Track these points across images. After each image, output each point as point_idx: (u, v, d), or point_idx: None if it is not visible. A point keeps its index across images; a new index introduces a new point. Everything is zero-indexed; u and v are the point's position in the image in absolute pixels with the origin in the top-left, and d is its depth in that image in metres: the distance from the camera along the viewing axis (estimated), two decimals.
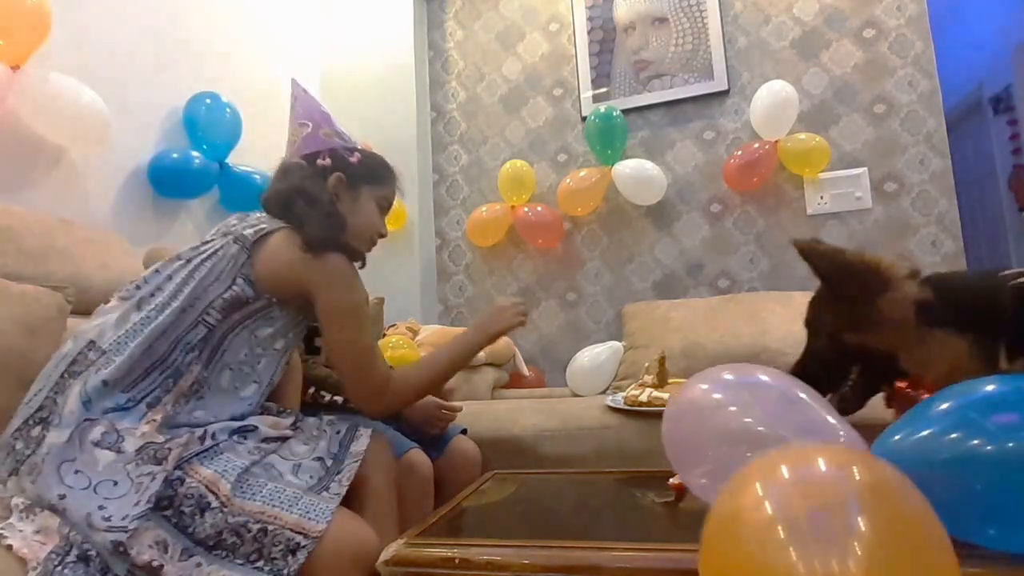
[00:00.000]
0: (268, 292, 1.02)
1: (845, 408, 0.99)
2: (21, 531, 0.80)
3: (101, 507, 0.80)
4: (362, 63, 3.02)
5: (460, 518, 0.82)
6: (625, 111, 2.69)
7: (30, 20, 1.65)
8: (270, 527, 0.82)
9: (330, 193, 1.11)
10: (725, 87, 2.63)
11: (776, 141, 2.45)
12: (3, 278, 1.25)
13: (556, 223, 2.73)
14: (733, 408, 0.74)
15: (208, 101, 2.24)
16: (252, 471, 0.89)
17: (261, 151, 2.46)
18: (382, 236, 1.23)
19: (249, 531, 0.82)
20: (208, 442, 0.90)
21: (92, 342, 0.94)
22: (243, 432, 0.95)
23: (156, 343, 0.94)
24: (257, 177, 2.33)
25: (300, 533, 0.83)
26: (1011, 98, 3.38)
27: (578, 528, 0.87)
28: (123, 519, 0.79)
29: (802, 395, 0.74)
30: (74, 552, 0.78)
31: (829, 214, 2.46)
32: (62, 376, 0.91)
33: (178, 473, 0.84)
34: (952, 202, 2.34)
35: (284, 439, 0.99)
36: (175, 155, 2.12)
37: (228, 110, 2.27)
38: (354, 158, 1.16)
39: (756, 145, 2.48)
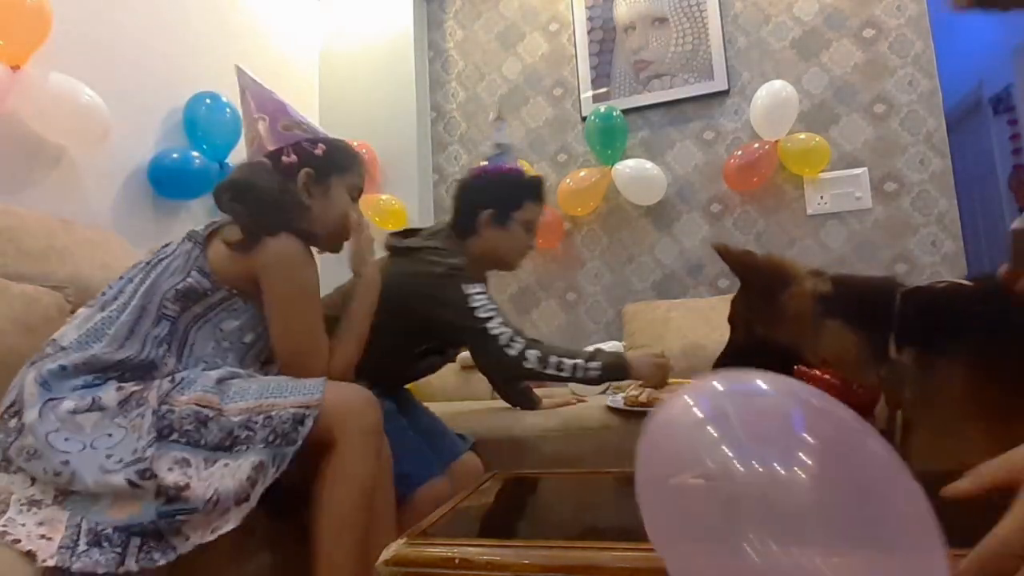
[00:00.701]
0: (225, 282, 1.03)
1: None
2: (23, 524, 0.79)
3: (109, 455, 0.83)
4: (362, 63, 3.02)
5: (460, 518, 0.82)
6: (625, 111, 2.69)
7: (30, 20, 1.65)
8: (272, 412, 0.90)
9: (300, 189, 1.11)
10: (725, 87, 2.63)
11: (776, 141, 2.45)
12: (3, 278, 1.26)
13: (556, 223, 2.73)
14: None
15: (208, 101, 2.24)
16: (228, 382, 0.95)
17: None
18: (358, 223, 1.23)
19: (255, 422, 0.89)
20: (178, 380, 0.95)
21: (53, 340, 0.96)
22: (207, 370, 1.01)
23: (127, 342, 0.95)
24: None
25: (301, 407, 0.90)
26: (1011, 98, 3.38)
27: (579, 528, 0.86)
28: (134, 452, 0.83)
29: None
30: (83, 539, 0.78)
31: (829, 214, 2.46)
32: (26, 372, 0.93)
33: (164, 408, 0.89)
34: (952, 202, 2.34)
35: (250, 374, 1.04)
36: (175, 155, 2.12)
37: (228, 110, 2.27)
38: (318, 150, 1.14)
39: (756, 145, 2.48)
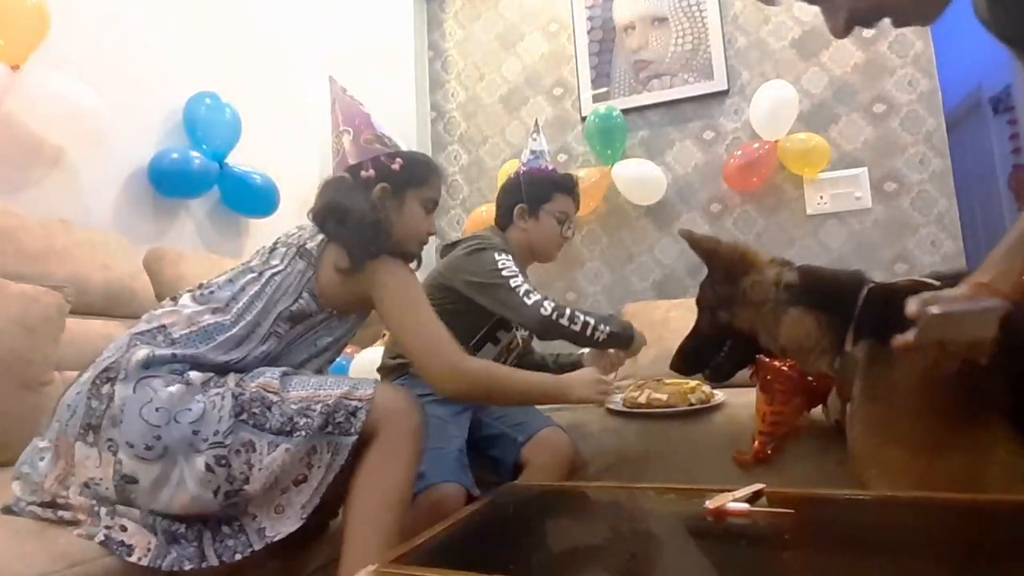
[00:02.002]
0: (330, 305, 1.09)
1: (716, 376, 1.20)
2: (109, 528, 0.84)
3: (195, 431, 0.87)
4: (362, 63, 3.02)
5: (452, 540, 0.75)
6: (625, 111, 2.69)
7: (30, 20, 1.65)
8: (329, 402, 0.93)
9: (375, 203, 1.14)
10: (725, 87, 2.63)
11: (776, 141, 2.45)
12: (3, 278, 1.26)
13: None
14: None
15: (208, 101, 2.24)
16: (290, 375, 0.99)
17: (261, 151, 2.46)
18: (432, 234, 1.27)
19: (313, 410, 0.92)
20: (248, 370, 1.00)
21: (163, 326, 0.99)
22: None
23: (234, 351, 1.00)
24: (257, 177, 2.33)
25: (355, 399, 0.95)
26: (1011, 98, 3.38)
27: (577, 559, 0.73)
28: (215, 434, 0.88)
29: None
30: (162, 537, 0.85)
31: (829, 214, 2.46)
32: (132, 344, 0.95)
33: (238, 390, 0.93)
34: (952, 202, 2.34)
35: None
36: (175, 155, 2.12)
37: (228, 110, 2.27)
38: (396, 165, 1.18)
39: (756, 145, 2.47)
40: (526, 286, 1.44)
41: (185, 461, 0.87)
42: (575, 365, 1.63)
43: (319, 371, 1.15)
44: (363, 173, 1.16)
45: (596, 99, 2.81)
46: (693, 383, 1.56)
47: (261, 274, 1.07)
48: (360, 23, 3.06)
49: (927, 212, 2.36)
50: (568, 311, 1.41)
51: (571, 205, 1.65)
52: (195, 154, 2.15)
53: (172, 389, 0.90)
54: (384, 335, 2.20)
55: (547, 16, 2.96)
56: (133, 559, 0.81)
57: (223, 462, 0.87)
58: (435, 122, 3.10)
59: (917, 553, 0.63)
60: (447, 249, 1.62)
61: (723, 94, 2.64)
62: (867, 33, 2.48)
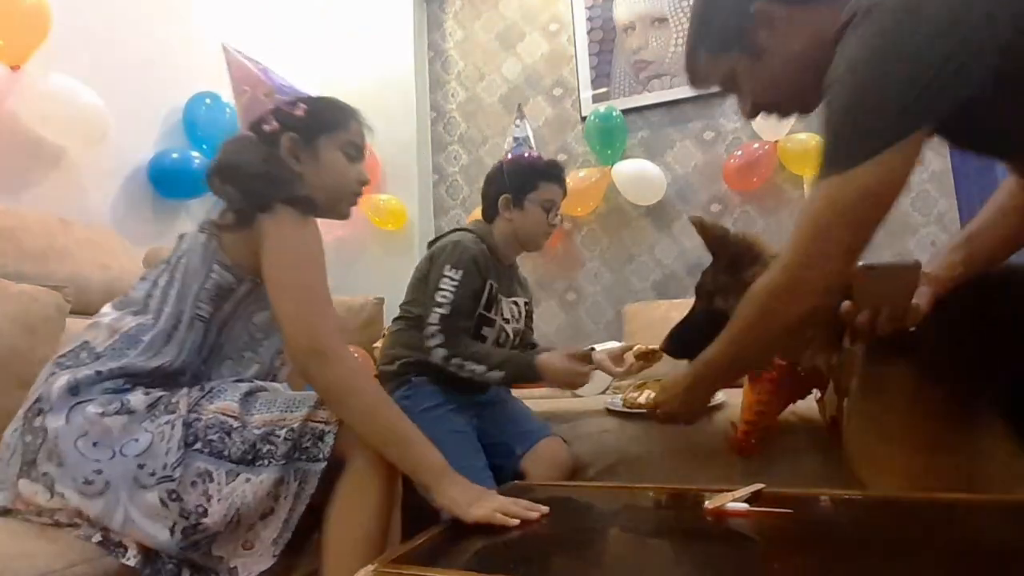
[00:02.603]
0: (249, 272, 0.99)
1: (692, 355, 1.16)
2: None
3: (140, 466, 0.81)
4: (362, 63, 3.02)
5: (450, 541, 0.75)
6: (625, 111, 2.69)
7: (30, 20, 1.66)
8: (295, 426, 0.87)
9: (285, 157, 1.04)
10: None
11: (776, 141, 2.45)
12: (3, 278, 1.26)
13: None
14: None
15: (208, 101, 2.24)
16: (254, 394, 0.93)
17: None
18: (364, 183, 1.14)
19: (278, 436, 0.86)
20: (207, 389, 0.93)
21: (86, 342, 0.93)
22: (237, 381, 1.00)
23: (164, 349, 0.93)
24: None
25: (321, 422, 0.89)
26: None
27: (589, 564, 0.70)
28: (163, 468, 0.81)
29: None
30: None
31: None
32: (51, 371, 0.90)
33: (192, 416, 0.87)
34: (952, 202, 2.34)
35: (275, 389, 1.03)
36: (175, 155, 2.13)
37: (228, 110, 2.27)
38: (299, 111, 1.06)
39: (756, 145, 2.48)
40: (437, 325, 1.38)
41: (129, 498, 0.80)
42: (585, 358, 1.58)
43: (278, 355, 1.06)
44: (266, 127, 1.04)
45: (596, 99, 2.81)
46: None
47: (170, 262, 1.01)
48: (360, 23, 3.06)
49: (927, 212, 2.36)
50: (456, 361, 1.37)
51: (557, 192, 1.59)
52: (195, 154, 2.16)
53: (112, 421, 0.83)
54: (384, 334, 2.20)
55: (547, 16, 2.96)
56: (126, 560, 0.80)
57: (174, 496, 0.80)
58: (435, 122, 3.10)
59: (916, 553, 0.63)
60: (431, 244, 1.59)
61: (723, 94, 2.63)
62: None
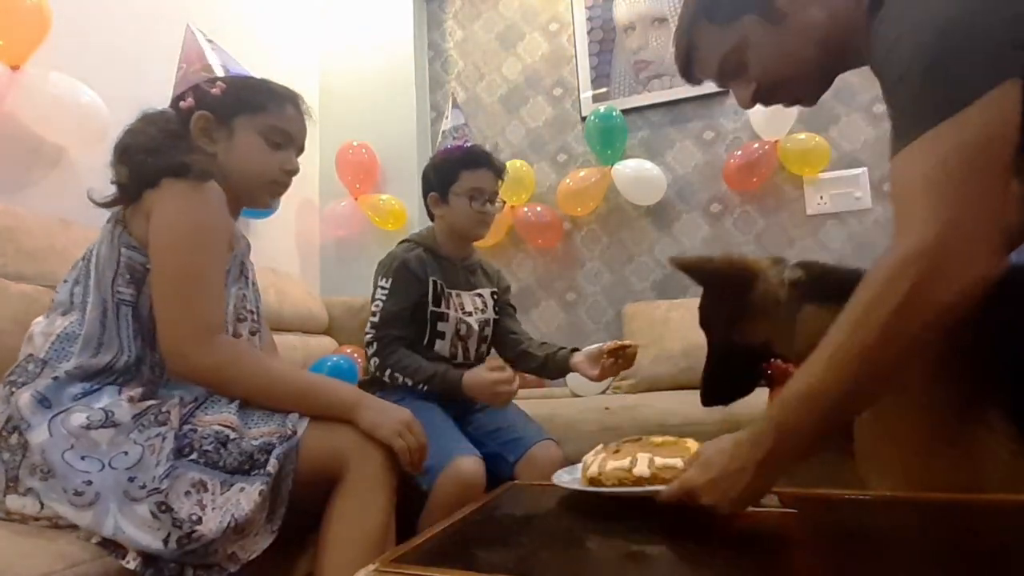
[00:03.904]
0: None
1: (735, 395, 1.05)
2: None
3: (131, 478, 0.79)
4: (362, 63, 3.02)
5: (452, 540, 0.73)
6: (625, 111, 2.69)
7: (30, 20, 1.65)
8: (294, 438, 0.86)
9: (196, 139, 0.99)
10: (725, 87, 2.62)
11: (776, 141, 2.45)
12: (3, 278, 1.26)
13: (556, 223, 2.73)
14: None
15: None
16: (247, 410, 0.91)
17: None
18: (290, 173, 1.07)
19: (274, 445, 0.85)
20: (203, 400, 0.91)
21: (30, 355, 0.90)
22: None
23: (103, 344, 0.89)
24: None
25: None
26: None
27: (589, 564, 0.69)
28: (152, 480, 0.79)
29: None
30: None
31: (829, 214, 2.46)
32: (9, 392, 0.86)
33: (186, 427, 0.85)
34: None
35: None
36: None
37: None
38: (216, 89, 1.00)
39: (756, 145, 2.48)
40: (372, 332, 1.42)
41: (119, 509, 0.78)
42: (564, 362, 1.56)
43: (235, 335, 1.01)
44: (182, 104, 1.00)
45: (596, 99, 2.81)
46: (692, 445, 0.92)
47: (85, 258, 0.97)
48: (360, 23, 3.06)
49: None
50: (390, 372, 1.39)
51: (481, 179, 1.52)
52: None
53: (99, 435, 0.81)
54: None
55: (547, 16, 2.96)
56: (126, 564, 0.79)
57: (164, 508, 0.79)
58: (435, 122, 3.10)
59: (918, 553, 0.63)
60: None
61: (723, 94, 2.64)
62: None
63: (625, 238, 2.73)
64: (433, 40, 3.15)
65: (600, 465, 0.84)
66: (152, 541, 0.78)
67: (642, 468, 0.81)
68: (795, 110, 2.42)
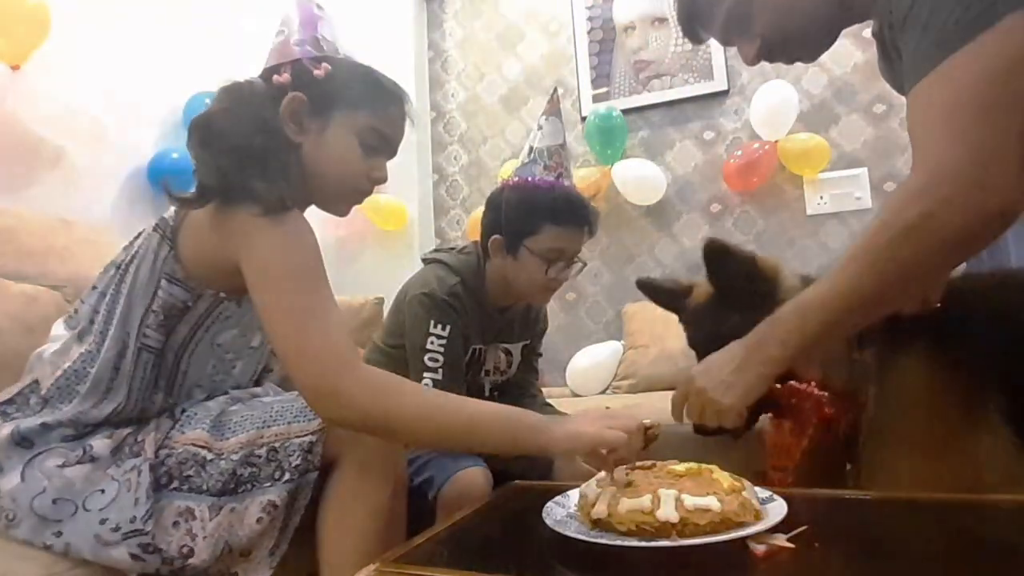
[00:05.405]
0: (205, 283, 0.82)
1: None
2: None
3: (103, 521, 0.73)
4: (361, 63, 3.01)
5: (453, 541, 0.73)
6: (625, 111, 2.69)
7: (30, 20, 1.65)
8: (276, 444, 0.78)
9: (282, 122, 0.83)
10: (725, 87, 2.63)
11: (776, 141, 2.45)
12: (3, 278, 1.26)
13: None
14: None
15: (208, 101, 2.22)
16: (226, 413, 0.83)
17: None
18: (377, 182, 0.90)
19: (258, 456, 0.78)
20: (178, 416, 0.84)
21: (36, 382, 0.83)
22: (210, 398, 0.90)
23: (112, 389, 0.80)
24: None
25: (305, 435, 0.78)
26: None
27: (589, 564, 0.66)
28: (132, 521, 0.73)
29: None
30: None
31: (829, 214, 2.46)
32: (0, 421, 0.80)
33: (162, 453, 0.78)
34: None
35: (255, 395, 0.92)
36: (175, 155, 2.12)
37: None
38: (320, 70, 0.84)
39: (756, 145, 2.48)
40: (431, 375, 1.16)
41: (94, 557, 0.73)
42: None
43: (246, 369, 0.94)
44: (276, 78, 0.84)
45: (596, 99, 2.81)
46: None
47: (119, 266, 0.84)
48: (360, 23, 3.05)
49: None
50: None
51: (568, 238, 1.21)
52: None
53: (74, 472, 0.74)
54: None
55: (547, 16, 2.96)
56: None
57: (151, 549, 0.73)
58: (435, 122, 3.10)
59: (918, 553, 0.63)
60: (430, 255, 1.35)
61: (723, 94, 2.64)
62: (866, 33, 2.47)
63: (625, 238, 2.73)
64: (433, 40, 3.15)
65: (610, 503, 0.65)
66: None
67: (668, 511, 0.62)
68: (794, 111, 2.42)
